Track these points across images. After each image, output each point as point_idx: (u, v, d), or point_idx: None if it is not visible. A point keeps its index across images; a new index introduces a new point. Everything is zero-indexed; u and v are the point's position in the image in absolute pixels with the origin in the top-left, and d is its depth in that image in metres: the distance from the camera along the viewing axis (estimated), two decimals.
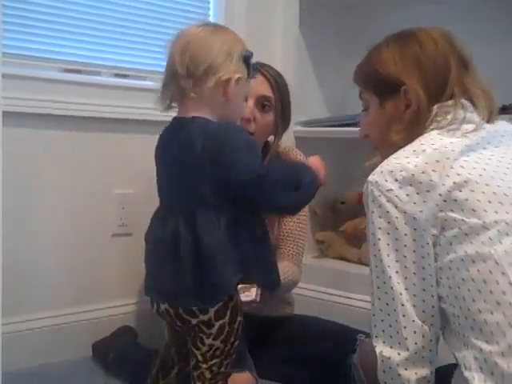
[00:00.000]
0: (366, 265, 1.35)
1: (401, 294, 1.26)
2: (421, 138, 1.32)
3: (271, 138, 2.05)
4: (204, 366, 1.42)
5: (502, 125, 1.40)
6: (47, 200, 2.17)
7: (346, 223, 2.68)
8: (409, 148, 1.31)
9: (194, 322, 1.40)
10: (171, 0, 2.48)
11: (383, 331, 1.29)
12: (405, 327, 1.26)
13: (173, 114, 1.52)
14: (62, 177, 2.20)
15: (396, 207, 1.26)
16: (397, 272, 1.26)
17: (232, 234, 1.38)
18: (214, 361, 1.42)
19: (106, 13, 2.30)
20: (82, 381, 2.04)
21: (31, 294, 2.14)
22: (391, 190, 1.26)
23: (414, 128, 1.37)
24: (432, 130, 1.34)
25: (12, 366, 1.99)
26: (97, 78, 2.32)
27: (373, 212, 1.28)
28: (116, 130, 2.28)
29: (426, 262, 1.26)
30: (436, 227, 1.24)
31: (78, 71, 2.28)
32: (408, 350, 1.25)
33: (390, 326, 1.28)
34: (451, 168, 1.25)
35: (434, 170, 1.24)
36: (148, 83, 2.39)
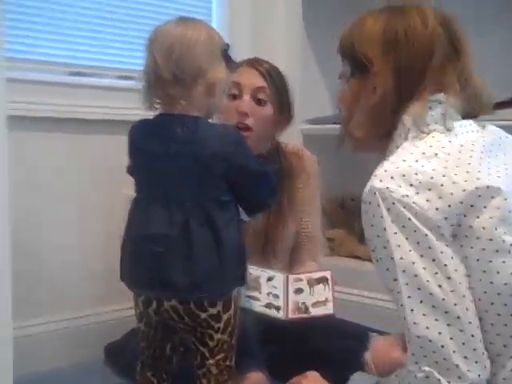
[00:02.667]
0: None
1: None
2: (426, 139, 1.20)
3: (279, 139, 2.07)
4: (211, 361, 1.43)
5: (496, 130, 1.29)
6: (55, 202, 2.17)
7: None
8: (414, 149, 1.18)
9: (203, 316, 1.40)
10: (173, 1, 2.49)
11: (436, 362, 1.09)
12: (474, 349, 1.10)
13: None
14: (70, 179, 2.21)
15: (416, 214, 1.10)
16: (440, 286, 1.10)
17: (238, 231, 1.44)
18: (221, 355, 1.43)
19: (108, 15, 2.31)
20: None
21: (43, 298, 2.13)
22: (407, 195, 1.11)
23: (377, 122, 1.27)
24: (411, 129, 1.22)
25: (24, 369, 1.99)
26: (101, 80, 2.32)
27: (393, 221, 1.12)
28: (122, 131, 2.26)
29: (462, 276, 1.12)
30: (456, 236, 1.13)
31: (82, 74, 2.28)
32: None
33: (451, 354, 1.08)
34: (478, 172, 1.14)
35: (456, 174, 1.13)
36: None
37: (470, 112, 1.28)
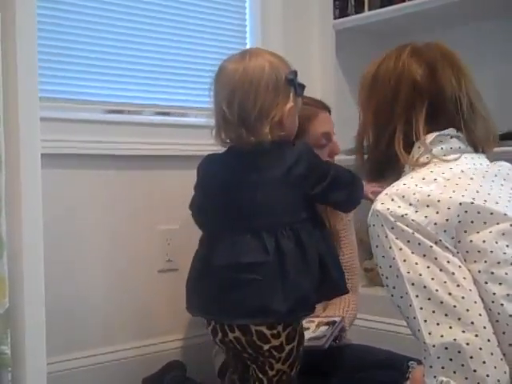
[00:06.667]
0: None
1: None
2: (428, 167, 1.26)
3: None
4: None
5: (506, 164, 1.32)
6: (91, 240, 2.19)
7: None
8: (415, 175, 1.24)
9: (266, 347, 1.41)
10: (208, 35, 2.51)
11: (454, 372, 1.08)
12: (492, 354, 1.08)
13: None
14: (106, 216, 2.23)
15: (418, 230, 1.14)
16: (450, 294, 1.11)
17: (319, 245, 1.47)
18: None
19: (142, 54, 2.34)
20: None
21: (79, 332, 2.15)
22: (406, 214, 1.16)
23: (377, 156, 1.37)
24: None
25: None
26: (138, 117, 2.35)
27: (397, 238, 1.15)
28: (159, 166, 2.30)
29: (471, 283, 1.12)
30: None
31: (120, 111, 2.32)
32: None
33: (462, 365, 1.07)
34: (477, 191, 1.17)
35: (454, 191, 1.17)
36: (188, 119, 2.44)
37: (478, 145, 1.32)
